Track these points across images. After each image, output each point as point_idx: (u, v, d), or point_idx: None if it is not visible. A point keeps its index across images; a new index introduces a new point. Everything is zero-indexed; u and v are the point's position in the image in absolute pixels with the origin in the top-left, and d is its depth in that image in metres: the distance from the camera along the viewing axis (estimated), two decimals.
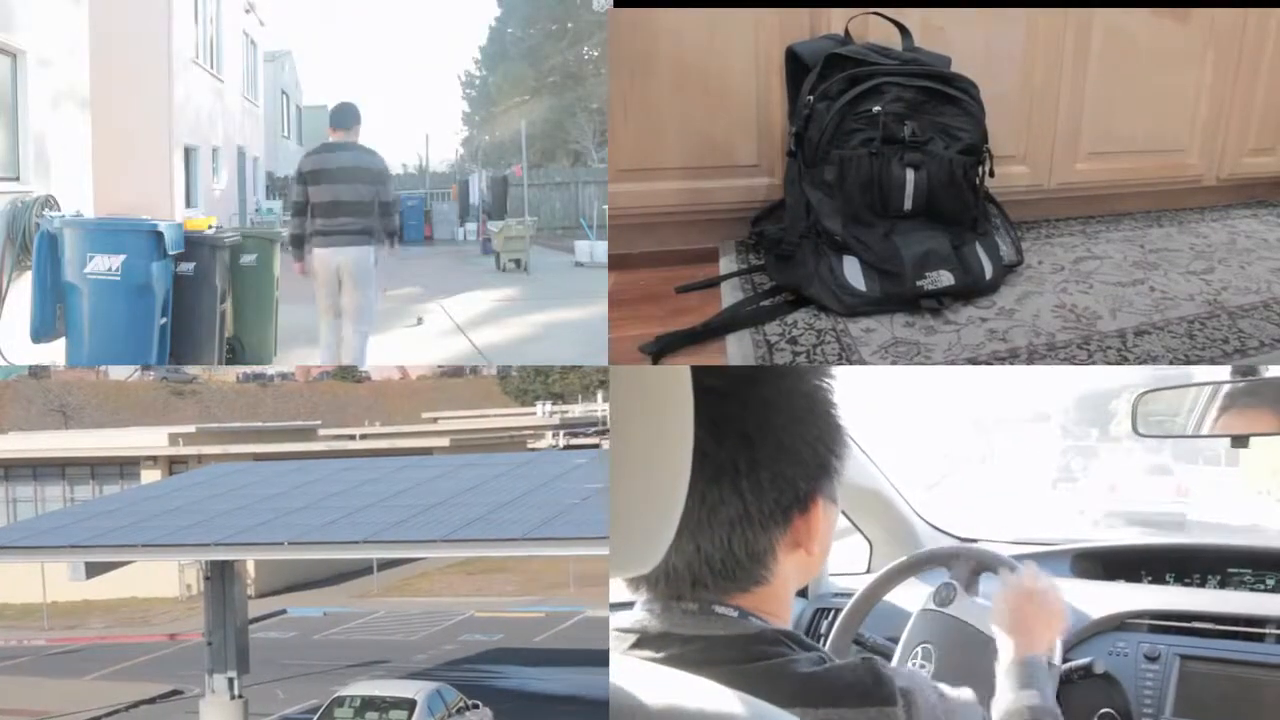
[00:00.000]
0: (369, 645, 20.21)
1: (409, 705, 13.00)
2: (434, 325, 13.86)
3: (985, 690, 3.45)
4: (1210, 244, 6.80)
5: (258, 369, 43.91)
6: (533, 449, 30.45)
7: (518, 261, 19.41)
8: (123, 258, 8.81)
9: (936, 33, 5.96)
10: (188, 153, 17.58)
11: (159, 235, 8.91)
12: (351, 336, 9.04)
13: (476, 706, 14.00)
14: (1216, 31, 7.12)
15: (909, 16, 5.67)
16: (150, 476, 23.76)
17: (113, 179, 12.20)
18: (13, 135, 9.97)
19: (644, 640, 1.80)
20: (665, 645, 1.78)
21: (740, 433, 1.76)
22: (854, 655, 3.75)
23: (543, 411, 35.86)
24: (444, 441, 29.37)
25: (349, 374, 44.10)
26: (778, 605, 1.83)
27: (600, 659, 18.42)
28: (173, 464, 24.78)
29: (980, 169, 5.40)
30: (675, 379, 1.64)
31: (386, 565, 25.70)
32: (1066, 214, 7.17)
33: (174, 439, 26.36)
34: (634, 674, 1.74)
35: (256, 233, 12.20)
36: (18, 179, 9.95)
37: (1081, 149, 6.96)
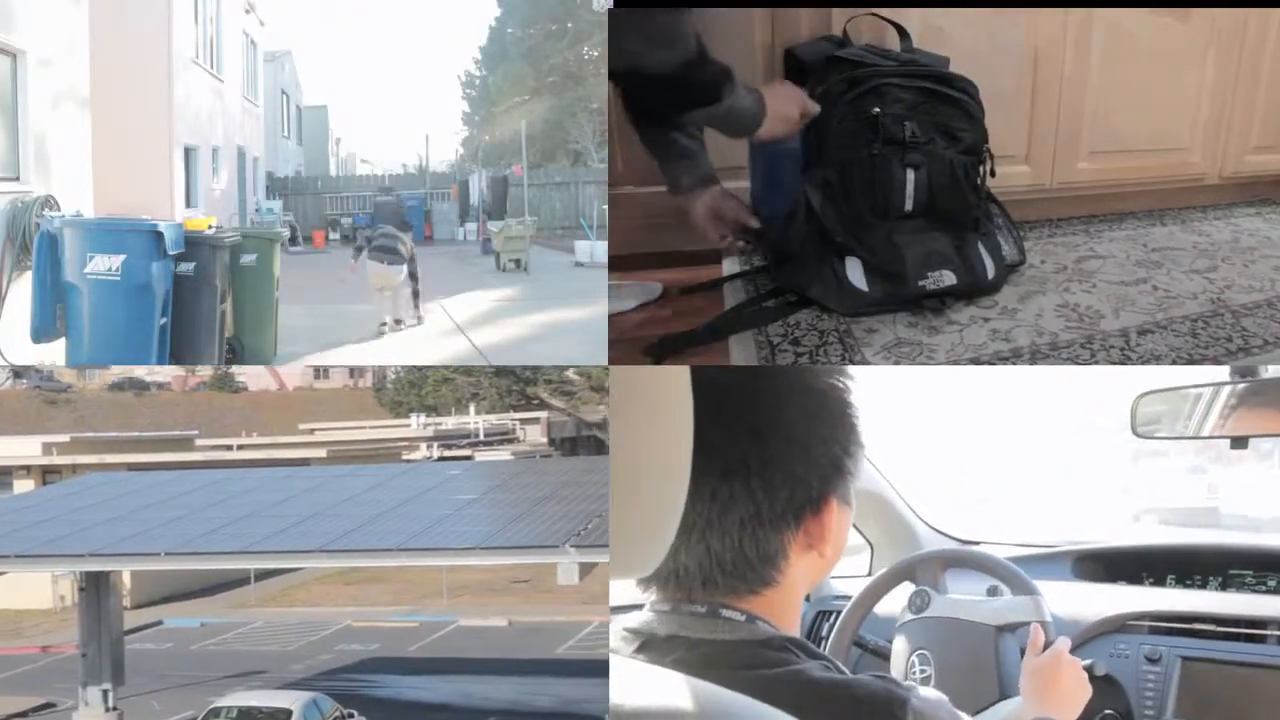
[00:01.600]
0: (246, 656, 20.13)
1: (285, 715, 12.99)
2: (434, 325, 13.84)
3: (988, 674, 3.45)
4: (1213, 242, 6.78)
5: (134, 377, 43.73)
6: (408, 460, 30.53)
7: (518, 261, 19.41)
8: (123, 258, 8.81)
9: (936, 33, 5.94)
10: (188, 153, 17.57)
11: (159, 235, 8.90)
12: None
13: (352, 715, 14.03)
14: (1218, 29, 7.10)
15: (909, 17, 5.65)
16: (23, 486, 23.40)
17: (113, 179, 12.19)
18: (13, 135, 9.96)
19: (650, 643, 1.78)
20: (672, 648, 1.75)
21: (751, 429, 1.74)
22: (855, 657, 3.77)
23: (417, 423, 35.91)
24: (321, 452, 29.46)
25: (226, 384, 43.99)
26: (787, 609, 1.80)
27: (475, 666, 18.46)
28: (46, 474, 24.49)
29: (981, 169, 5.39)
30: (674, 379, 1.63)
31: (264, 576, 25.59)
32: (1069, 213, 7.16)
33: (48, 448, 26.07)
34: (634, 677, 1.72)
35: (256, 233, 12.19)
36: (18, 179, 9.94)
37: (1083, 148, 6.95)
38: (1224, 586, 4.01)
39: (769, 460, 1.74)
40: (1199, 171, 7.47)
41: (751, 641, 1.73)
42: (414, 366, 33.14)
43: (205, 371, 39.89)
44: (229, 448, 32.56)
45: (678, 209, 5.30)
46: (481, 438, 34.13)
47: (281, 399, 43.62)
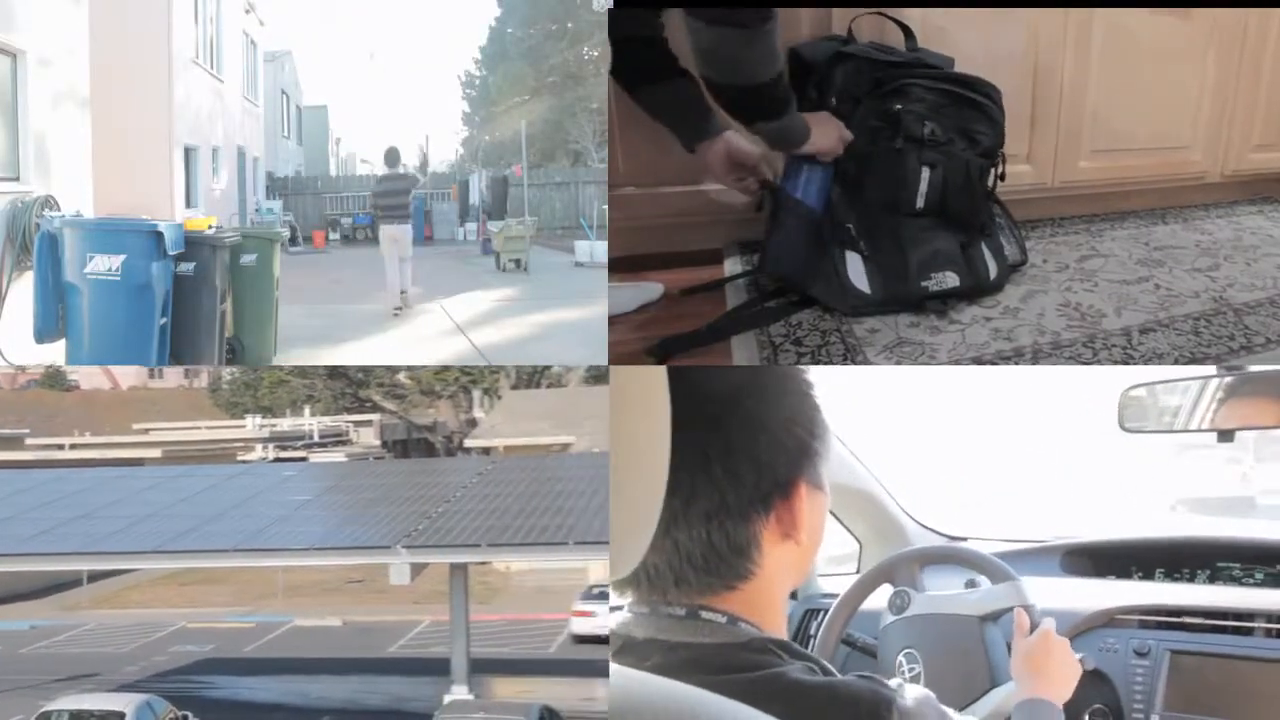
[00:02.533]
0: (78, 658, 19.91)
1: (118, 718, 12.85)
2: (434, 325, 13.84)
3: (977, 664, 3.45)
4: (1215, 241, 6.78)
5: None
6: (243, 461, 30.42)
7: (518, 261, 19.39)
8: (123, 258, 8.79)
9: (938, 33, 5.94)
10: (188, 153, 17.56)
11: (159, 235, 8.89)
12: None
13: (186, 717, 13.92)
14: (1219, 28, 7.10)
15: (910, 16, 5.65)
16: None
17: (113, 179, 12.18)
18: (13, 135, 9.95)
19: (629, 646, 1.74)
20: (650, 652, 1.71)
21: (709, 417, 1.69)
22: (843, 655, 3.76)
23: (252, 425, 35.87)
24: (156, 453, 29.31)
25: (57, 382, 43.26)
26: (768, 605, 1.75)
27: (310, 666, 18.28)
28: None
29: (993, 172, 5.40)
30: (652, 379, 1.62)
31: (97, 577, 25.39)
32: (1070, 212, 7.15)
33: None
34: (631, 681, 1.69)
35: (256, 233, 12.18)
36: (18, 179, 9.93)
37: (1084, 147, 6.94)
38: (1212, 579, 4.02)
39: (731, 448, 1.69)
40: (1201, 170, 7.46)
41: (732, 644, 1.68)
42: (251, 367, 33.11)
43: (36, 369, 39.28)
44: (60, 447, 32.00)
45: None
46: (316, 439, 34.13)
47: (115, 398, 42.82)
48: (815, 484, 1.77)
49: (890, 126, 5.14)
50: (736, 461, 1.69)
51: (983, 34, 6.25)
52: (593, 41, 33.76)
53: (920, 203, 5.20)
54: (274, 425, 35.54)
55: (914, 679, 3.52)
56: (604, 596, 20.13)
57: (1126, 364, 5.06)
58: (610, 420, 1.70)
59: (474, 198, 26.81)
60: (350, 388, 33.34)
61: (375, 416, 34.57)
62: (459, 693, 13.66)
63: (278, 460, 30.35)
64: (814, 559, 1.83)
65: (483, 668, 15.69)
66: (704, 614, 1.70)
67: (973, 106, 5.31)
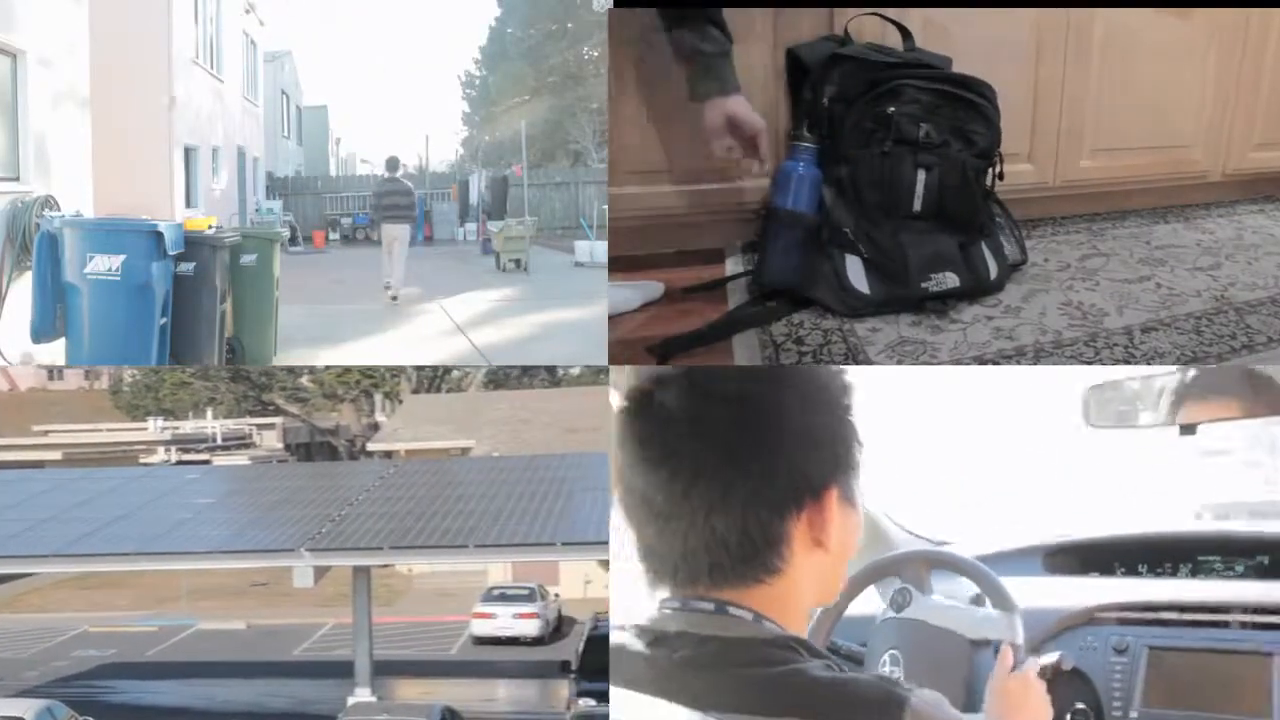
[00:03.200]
0: None
1: None
2: (434, 325, 13.83)
3: (957, 683, 3.45)
4: (1217, 240, 6.78)
5: None
6: (145, 464, 30.21)
7: (518, 261, 19.39)
8: (123, 258, 8.79)
9: (938, 32, 5.93)
10: (188, 153, 17.56)
11: (159, 235, 8.88)
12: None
13: None
14: (1219, 27, 7.09)
15: (911, 16, 5.65)
16: None
17: (113, 179, 12.17)
18: (13, 135, 9.95)
19: (660, 640, 1.81)
20: (680, 645, 1.79)
21: (752, 417, 1.79)
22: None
23: (155, 427, 35.73)
24: (56, 455, 29.08)
25: None
26: (792, 607, 1.83)
27: (214, 670, 18.13)
28: None
29: (990, 172, 5.39)
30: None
31: None
32: (1072, 211, 7.15)
33: None
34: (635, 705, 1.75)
35: (256, 233, 12.17)
36: (18, 179, 9.92)
37: (1086, 146, 6.94)
38: (1194, 573, 4.03)
39: (770, 447, 1.78)
40: (1202, 169, 7.46)
41: (757, 640, 1.76)
42: (152, 369, 33.03)
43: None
44: None
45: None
46: (219, 442, 34.04)
47: (13, 400, 41.96)
48: (847, 497, 1.85)
49: (884, 129, 5.13)
50: (775, 461, 1.78)
51: (983, 33, 6.25)
52: (593, 41, 33.76)
53: (918, 205, 5.20)
54: (176, 428, 35.27)
55: None
56: (503, 598, 20.21)
57: (1128, 363, 5.05)
58: (611, 419, 1.73)
59: (474, 198, 26.80)
60: (253, 391, 33.35)
61: (278, 419, 34.51)
62: (362, 695, 13.66)
63: (180, 463, 30.18)
64: (842, 576, 1.91)
65: (386, 670, 15.64)
66: (731, 610, 1.79)
67: (968, 106, 5.30)
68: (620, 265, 5.95)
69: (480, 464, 19.12)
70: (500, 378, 31.90)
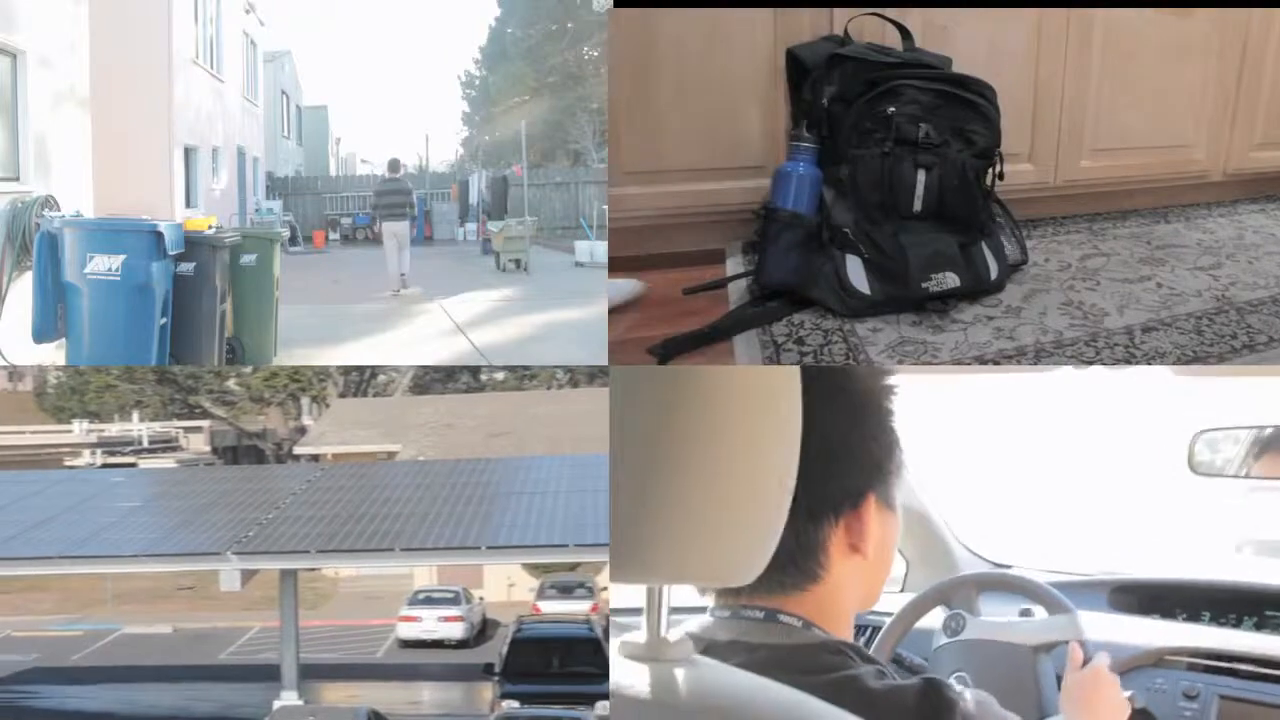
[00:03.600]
0: None
1: None
2: (434, 325, 13.83)
3: (1028, 694, 3.43)
4: (1218, 239, 6.77)
5: None
6: (70, 466, 29.63)
7: (518, 261, 19.38)
8: (123, 258, 8.78)
9: (939, 32, 5.94)
10: (188, 153, 17.55)
11: (159, 235, 8.88)
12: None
13: None
14: (1220, 26, 7.09)
15: (911, 16, 5.64)
16: None
17: (113, 179, 12.16)
18: (13, 135, 9.94)
19: (713, 648, 1.82)
20: (733, 653, 1.79)
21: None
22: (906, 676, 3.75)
23: (80, 429, 35.48)
24: None
25: None
26: (837, 613, 1.85)
27: (139, 674, 17.79)
28: None
29: (990, 171, 5.39)
30: (656, 380, 1.64)
31: None
32: (1072, 211, 7.15)
33: None
34: (633, 675, 1.72)
35: (256, 233, 12.16)
36: (18, 179, 9.92)
37: (1086, 146, 6.94)
38: (1259, 627, 3.98)
39: (809, 453, 1.72)
40: (1203, 168, 7.45)
41: (809, 645, 1.79)
42: (76, 370, 32.81)
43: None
44: None
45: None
46: (145, 445, 33.83)
47: None
48: (886, 503, 1.87)
49: (884, 129, 5.13)
50: (812, 468, 1.75)
51: (984, 33, 6.25)
52: (593, 41, 33.75)
53: (918, 205, 5.19)
54: (102, 430, 34.94)
55: None
56: (429, 602, 20.16)
57: (1129, 363, 5.05)
58: (612, 421, 1.70)
59: (474, 198, 26.79)
60: (180, 393, 33.18)
61: (205, 423, 34.33)
62: (288, 698, 13.59)
63: (106, 466, 29.84)
64: (883, 581, 1.92)
65: (312, 673, 15.50)
66: (781, 617, 1.81)
67: (967, 106, 5.30)
68: (620, 265, 5.94)
69: (406, 468, 19.09)
70: (426, 382, 31.77)
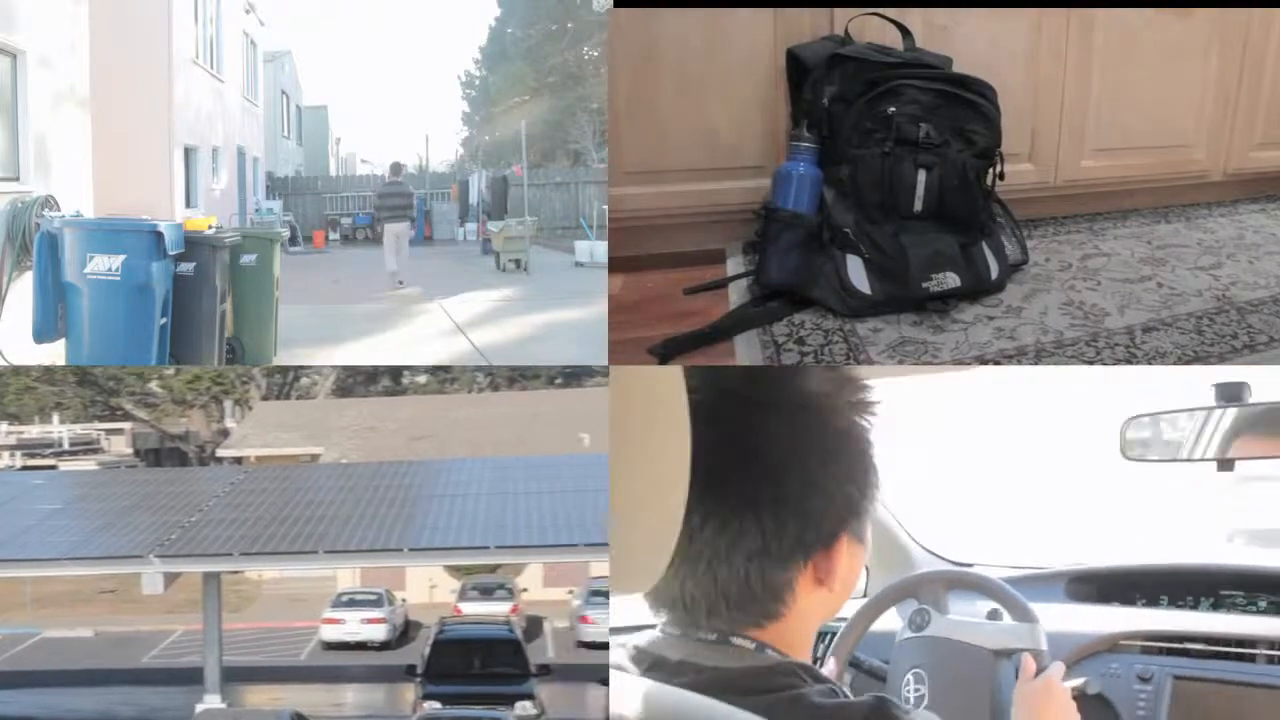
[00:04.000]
0: None
1: None
2: (434, 325, 13.82)
3: (981, 697, 3.44)
4: (1218, 239, 6.77)
5: None
6: None
7: (518, 261, 19.37)
8: (123, 258, 8.77)
9: (939, 32, 5.93)
10: (188, 153, 17.55)
11: (159, 235, 8.87)
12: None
13: None
14: (1221, 26, 7.09)
15: (911, 16, 5.64)
16: None
17: (113, 179, 12.16)
18: (13, 135, 9.94)
19: (660, 665, 1.79)
20: (681, 672, 1.76)
21: (768, 467, 1.73)
22: (849, 678, 3.75)
23: None
24: None
25: None
26: (797, 639, 1.82)
27: (60, 679, 17.57)
28: None
29: (990, 171, 5.39)
30: (656, 380, 1.62)
31: None
32: (1073, 211, 7.14)
33: None
34: (630, 689, 1.72)
35: (256, 233, 12.16)
36: (18, 179, 9.91)
37: (1087, 146, 6.93)
38: (1215, 607, 4.01)
39: (783, 499, 1.73)
40: (1203, 168, 7.45)
41: (758, 668, 1.74)
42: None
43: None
44: None
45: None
46: (66, 447, 33.61)
47: None
48: (857, 537, 1.82)
49: (884, 129, 5.13)
50: (785, 512, 1.74)
51: (984, 33, 6.24)
52: (593, 41, 33.75)
53: (918, 205, 5.19)
54: (21, 432, 34.50)
55: (918, 700, 3.52)
56: (352, 604, 20.12)
57: (1129, 363, 5.05)
58: (611, 422, 1.69)
59: (474, 198, 26.78)
60: (101, 395, 32.96)
61: (127, 425, 34.13)
62: (211, 701, 13.52)
63: (26, 468, 29.60)
64: (844, 602, 1.89)
65: (235, 676, 15.33)
66: (735, 640, 1.77)
67: (968, 106, 5.30)
68: (620, 265, 5.94)
69: (330, 471, 19.15)
70: (348, 385, 31.67)
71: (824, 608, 1.83)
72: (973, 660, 3.49)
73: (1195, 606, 4.03)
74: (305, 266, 19.02)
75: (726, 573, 1.74)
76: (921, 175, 5.15)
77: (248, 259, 10.42)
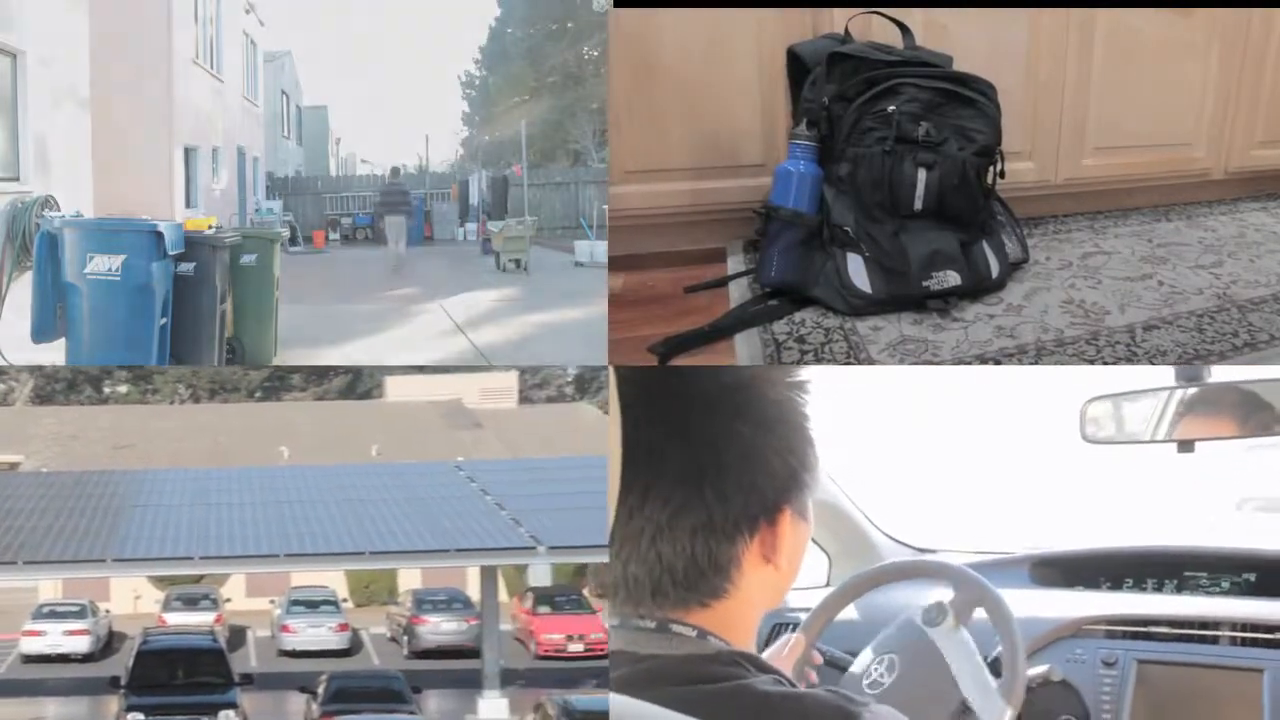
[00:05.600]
0: None
1: None
2: (434, 325, 13.82)
3: (945, 673, 3.40)
4: (1219, 238, 6.76)
5: None
6: None
7: (518, 261, 19.37)
8: (123, 258, 8.77)
9: (939, 31, 5.93)
10: (188, 153, 17.55)
11: (159, 235, 8.87)
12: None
13: None
14: (1221, 24, 7.08)
15: (912, 15, 5.63)
16: None
17: (113, 179, 12.16)
18: (13, 135, 9.94)
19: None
20: (618, 663, 1.71)
21: (707, 438, 1.70)
22: (825, 675, 3.72)
23: None
24: None
25: None
26: (740, 623, 1.76)
27: None
28: None
29: (991, 170, 5.38)
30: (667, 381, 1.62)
31: None
32: (1074, 210, 7.14)
33: None
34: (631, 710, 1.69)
35: (256, 233, 12.17)
36: (18, 179, 9.92)
37: (1088, 144, 6.93)
38: (1179, 589, 4.01)
39: (724, 468, 1.70)
40: (1204, 167, 7.44)
41: (700, 656, 1.69)
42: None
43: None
44: None
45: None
46: None
47: None
48: (800, 513, 1.77)
49: (884, 127, 5.12)
50: (727, 483, 1.70)
51: (985, 32, 6.24)
52: (593, 41, 33.73)
53: (919, 203, 5.18)
54: None
55: (888, 672, 3.45)
56: (54, 615, 19.74)
57: (1130, 361, 5.04)
58: (610, 420, 1.69)
59: (474, 198, 26.78)
60: None
61: None
62: None
63: None
64: (791, 584, 1.84)
65: None
66: (674, 628, 1.71)
67: (969, 104, 5.29)
68: (620, 264, 5.94)
69: (30, 479, 18.91)
70: (48, 392, 31.34)
71: (770, 589, 1.78)
72: (945, 691, 3.39)
73: (1159, 589, 4.04)
74: (305, 266, 18.99)
75: (671, 549, 1.69)
76: (922, 174, 5.14)
77: (248, 259, 10.42)
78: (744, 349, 4.97)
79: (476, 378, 29.17)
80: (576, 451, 20.87)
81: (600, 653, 18.05)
